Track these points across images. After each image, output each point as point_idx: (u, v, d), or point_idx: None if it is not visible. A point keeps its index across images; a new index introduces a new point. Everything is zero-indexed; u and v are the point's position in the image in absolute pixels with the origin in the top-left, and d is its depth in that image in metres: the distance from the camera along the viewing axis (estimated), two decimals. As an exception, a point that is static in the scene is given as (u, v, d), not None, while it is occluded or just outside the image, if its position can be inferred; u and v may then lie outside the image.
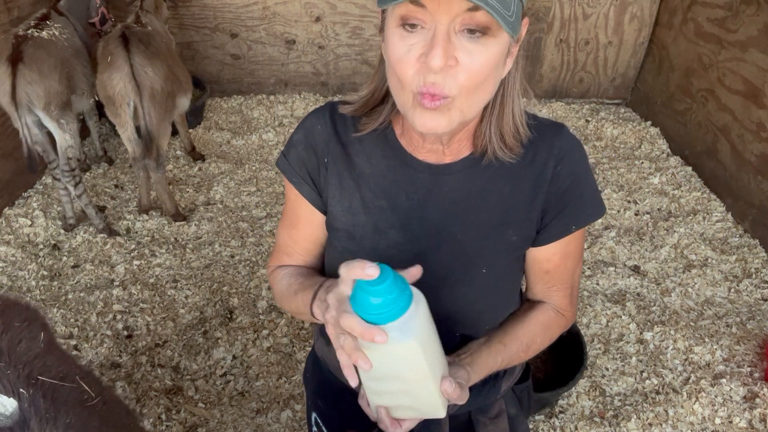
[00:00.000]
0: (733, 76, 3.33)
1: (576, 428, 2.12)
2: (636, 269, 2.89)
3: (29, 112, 2.59)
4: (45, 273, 2.76)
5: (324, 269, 1.12)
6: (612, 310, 2.61)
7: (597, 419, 2.16)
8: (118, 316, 2.53)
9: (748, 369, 2.33)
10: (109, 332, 2.45)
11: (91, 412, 1.00)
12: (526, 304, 1.10)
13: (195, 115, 4.00)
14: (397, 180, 0.97)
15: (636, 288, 2.78)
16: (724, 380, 2.26)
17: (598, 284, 2.80)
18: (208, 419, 2.13)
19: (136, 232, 3.07)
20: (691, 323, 2.56)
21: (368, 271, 0.73)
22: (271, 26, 4.18)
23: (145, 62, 2.70)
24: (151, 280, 2.73)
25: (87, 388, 1.03)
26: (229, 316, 2.56)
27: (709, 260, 2.95)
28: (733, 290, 2.77)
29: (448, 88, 0.78)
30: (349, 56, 4.33)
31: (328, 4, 4.11)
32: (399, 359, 0.79)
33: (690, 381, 2.28)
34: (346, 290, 0.79)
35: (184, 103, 3.21)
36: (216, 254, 2.92)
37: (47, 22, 2.74)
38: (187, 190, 3.41)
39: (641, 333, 2.51)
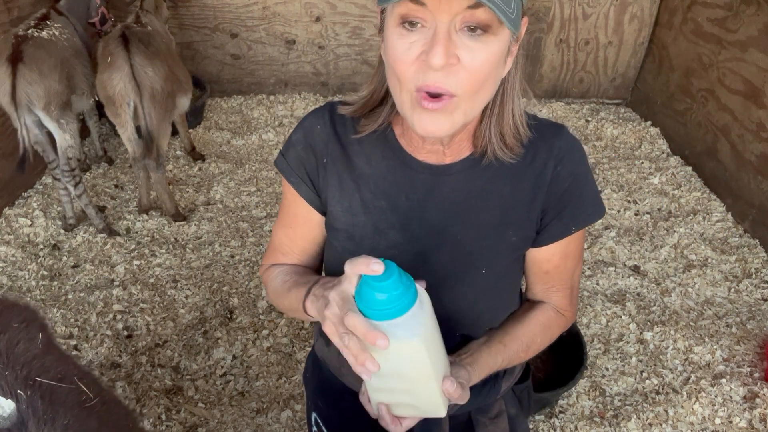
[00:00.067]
0: (733, 76, 3.32)
1: (576, 428, 2.12)
2: (636, 269, 2.89)
3: (29, 112, 2.59)
4: (45, 273, 2.76)
5: (319, 269, 1.12)
6: (612, 310, 2.61)
7: (597, 419, 2.15)
8: (118, 316, 2.53)
9: (748, 369, 2.33)
10: (109, 332, 2.45)
11: (89, 412, 1.00)
12: (525, 304, 1.10)
13: (195, 115, 4.00)
14: (396, 181, 0.97)
15: (636, 288, 2.78)
16: (724, 380, 2.26)
17: (598, 284, 2.80)
18: (208, 419, 2.13)
19: (136, 232, 3.07)
20: (691, 323, 2.56)
21: (373, 266, 0.73)
22: (271, 26, 4.18)
23: (145, 62, 2.70)
24: (151, 280, 2.73)
25: (85, 388, 1.03)
26: (229, 316, 2.56)
27: (709, 260, 2.94)
28: (733, 290, 2.77)
29: (448, 85, 0.78)
30: (349, 56, 4.33)
31: (328, 4, 4.11)
32: (402, 357, 0.78)
33: (690, 381, 2.28)
34: (350, 288, 0.78)
35: (184, 103, 3.20)
36: (216, 254, 2.92)
37: (47, 22, 2.74)
38: (187, 190, 3.41)
39: (641, 333, 2.50)
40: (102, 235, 2.99)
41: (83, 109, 3.08)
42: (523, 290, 1.14)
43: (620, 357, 2.40)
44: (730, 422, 2.13)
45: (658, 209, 3.34)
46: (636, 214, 3.29)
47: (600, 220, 3.25)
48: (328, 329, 0.79)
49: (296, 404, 2.19)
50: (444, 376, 0.85)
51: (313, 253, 1.10)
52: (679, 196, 3.44)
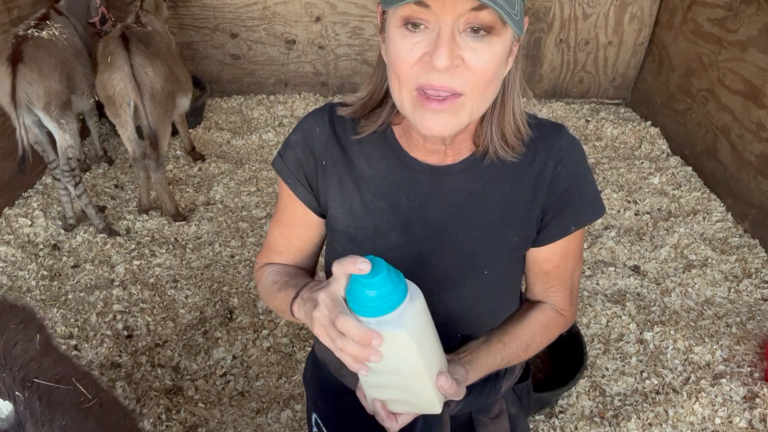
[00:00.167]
0: (733, 76, 3.32)
1: (576, 428, 2.12)
2: (636, 269, 2.88)
3: (29, 112, 2.59)
4: (45, 273, 2.76)
5: (313, 270, 1.12)
6: (612, 310, 2.60)
7: (597, 419, 2.15)
8: (118, 316, 2.53)
9: (748, 369, 2.33)
10: (109, 332, 2.45)
11: (87, 414, 1.00)
12: (525, 303, 1.10)
13: (195, 115, 4.00)
14: (397, 181, 0.97)
15: (636, 288, 2.78)
16: (724, 380, 2.26)
17: (598, 284, 2.79)
18: (208, 419, 2.13)
19: (136, 232, 3.07)
20: (691, 323, 2.56)
21: (360, 265, 0.73)
22: (271, 26, 4.18)
23: (146, 62, 2.70)
24: (151, 280, 2.73)
25: (83, 390, 1.03)
26: (229, 316, 2.56)
27: (709, 260, 2.94)
28: (733, 290, 2.76)
29: (454, 84, 0.77)
30: (349, 56, 4.33)
31: (328, 4, 4.11)
32: (394, 352, 0.78)
33: (690, 381, 2.28)
34: (339, 290, 0.78)
35: (184, 103, 3.20)
36: (216, 254, 2.92)
37: (47, 22, 2.74)
38: (187, 190, 3.41)
39: (641, 333, 2.50)
40: (102, 235, 2.99)
41: (83, 109, 3.08)
42: (523, 290, 1.14)
43: (620, 357, 2.40)
44: (730, 422, 2.13)
45: (658, 209, 3.34)
46: (636, 214, 3.29)
47: (600, 220, 3.26)
48: (318, 331, 0.79)
49: (296, 404, 2.19)
50: (439, 372, 0.84)
51: (308, 254, 1.10)
52: (679, 196, 3.44)
